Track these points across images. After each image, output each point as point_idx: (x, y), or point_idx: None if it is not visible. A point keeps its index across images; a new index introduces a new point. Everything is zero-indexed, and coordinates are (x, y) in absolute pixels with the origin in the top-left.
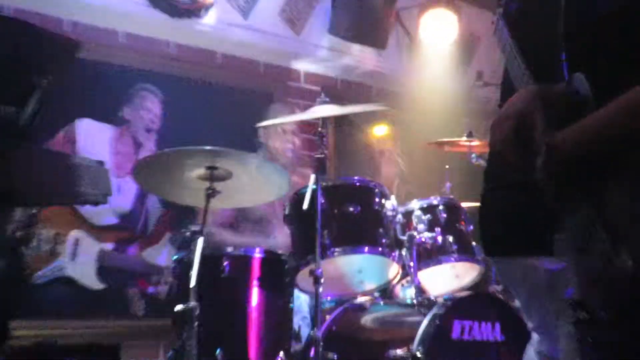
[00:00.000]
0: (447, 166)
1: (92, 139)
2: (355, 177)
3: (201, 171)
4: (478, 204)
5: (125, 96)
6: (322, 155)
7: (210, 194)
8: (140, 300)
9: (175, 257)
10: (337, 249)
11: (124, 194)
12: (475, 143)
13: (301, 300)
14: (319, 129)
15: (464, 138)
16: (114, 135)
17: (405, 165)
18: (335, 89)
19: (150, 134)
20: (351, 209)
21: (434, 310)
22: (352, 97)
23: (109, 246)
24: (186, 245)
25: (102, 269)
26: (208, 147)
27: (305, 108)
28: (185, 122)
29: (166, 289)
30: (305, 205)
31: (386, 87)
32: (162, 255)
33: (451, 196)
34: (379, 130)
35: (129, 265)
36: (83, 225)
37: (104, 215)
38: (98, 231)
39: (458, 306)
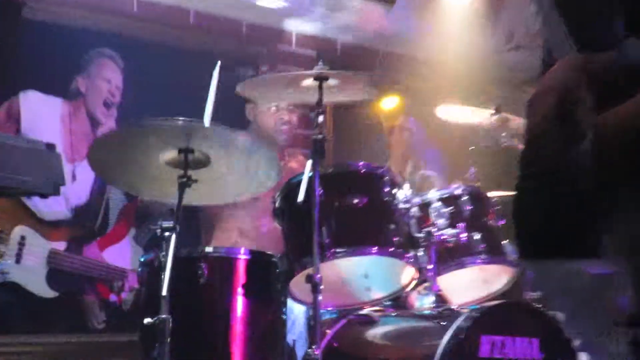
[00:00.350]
0: (471, 147)
1: (40, 115)
2: (360, 162)
3: (172, 155)
4: (509, 192)
5: (79, 64)
6: (320, 136)
7: (185, 182)
8: (99, 310)
9: (142, 258)
10: (339, 250)
11: (79, 182)
12: (505, 120)
13: (295, 312)
14: (316, 104)
15: (492, 113)
16: (66, 111)
17: (419, 145)
18: (334, 54)
19: (109, 109)
20: (355, 200)
21: (458, 323)
22: (354, 64)
23: (61, 245)
24: (156, 245)
25: (53, 273)
26: (182, 120)
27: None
28: (151, 95)
29: (131, 297)
30: (300, 197)
31: (396, 51)
32: (126, 256)
33: (477, 184)
34: (388, 103)
35: (86, 269)
36: (30, 220)
37: (55, 208)
38: (48, 227)
39: (487, 318)
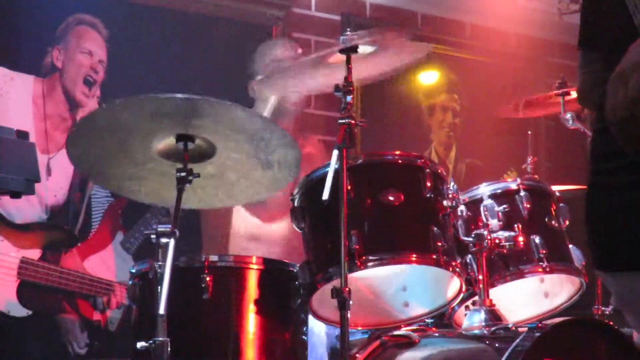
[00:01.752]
0: (529, 131)
1: (7, 97)
2: (396, 152)
3: (169, 143)
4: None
5: (55, 33)
6: (349, 121)
7: (183, 178)
8: (81, 332)
9: (133, 269)
10: (371, 258)
11: (55, 177)
12: (572, 97)
13: (316, 332)
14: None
15: (555, 90)
16: (39, 90)
17: (466, 128)
18: (363, 17)
19: (91, 88)
20: (391, 198)
21: (516, 345)
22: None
23: (34, 254)
24: (150, 253)
25: (25, 287)
26: (181, 96)
27: (320, 46)
28: (142, 70)
29: (119, 315)
30: (325, 195)
31: (437, 14)
32: (112, 266)
33: (535, 176)
34: (427, 78)
35: (64, 282)
36: None
37: (26, 209)
38: (19, 233)
39: (550, 338)
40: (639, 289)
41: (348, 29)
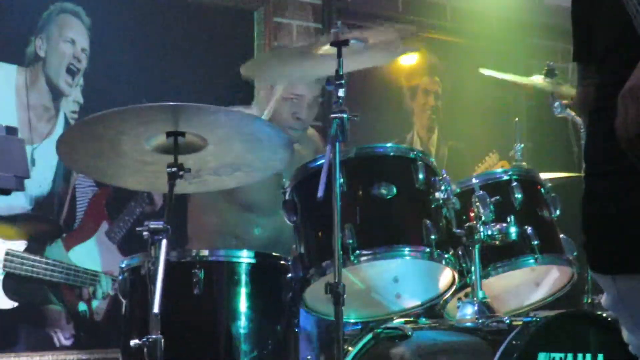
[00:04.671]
0: (516, 118)
1: None
2: (388, 144)
3: (159, 140)
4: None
5: (38, 22)
6: (341, 115)
7: (175, 173)
8: (67, 322)
9: (124, 264)
10: (365, 252)
11: (39, 168)
12: (559, 84)
13: (307, 323)
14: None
15: (541, 76)
16: (22, 80)
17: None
18: (344, 1)
19: (74, 77)
20: (383, 191)
21: (511, 339)
22: (369, 13)
23: (19, 245)
24: (137, 245)
25: (10, 279)
26: (171, 104)
27: (303, 33)
28: (125, 58)
29: (104, 305)
30: (320, 193)
31: None
32: (96, 256)
33: (524, 163)
34: (407, 60)
35: (49, 273)
36: None
37: (11, 201)
38: (3, 224)
39: (545, 332)
40: (632, 291)
41: (339, 23)
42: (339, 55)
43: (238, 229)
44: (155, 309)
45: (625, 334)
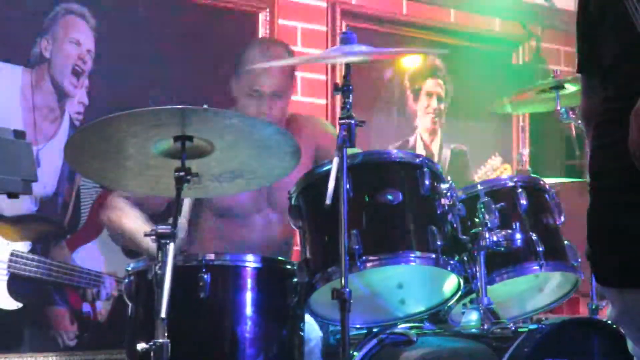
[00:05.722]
0: (521, 123)
1: None
2: (393, 150)
3: (166, 144)
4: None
5: (43, 23)
6: (349, 121)
7: (182, 177)
8: (71, 323)
9: (130, 267)
10: (371, 258)
11: (44, 168)
12: (566, 91)
13: (311, 328)
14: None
15: (548, 82)
16: (27, 81)
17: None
18: (349, 4)
19: (79, 78)
20: (389, 197)
21: (516, 347)
22: (374, 14)
23: (24, 246)
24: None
25: (15, 280)
26: (179, 108)
27: (308, 35)
28: (130, 60)
29: (108, 306)
30: (327, 200)
31: None
32: (100, 257)
33: (528, 168)
34: (410, 62)
35: (54, 274)
36: None
37: (16, 201)
38: (8, 225)
39: (551, 339)
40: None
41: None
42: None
43: (223, 234)
44: (163, 313)
45: (630, 345)
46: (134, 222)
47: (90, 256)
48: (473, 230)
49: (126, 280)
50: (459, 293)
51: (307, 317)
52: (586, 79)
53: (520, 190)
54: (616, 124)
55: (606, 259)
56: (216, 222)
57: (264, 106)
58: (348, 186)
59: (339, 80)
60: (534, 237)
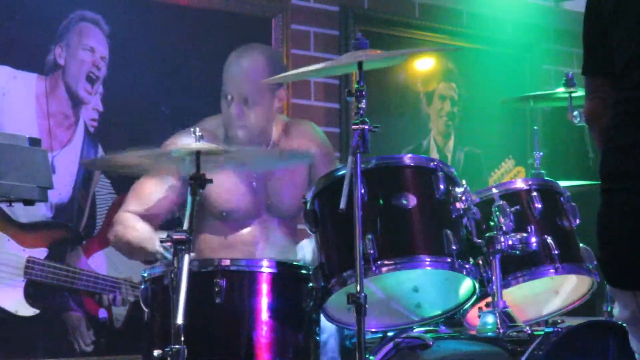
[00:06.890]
0: (534, 127)
1: (11, 94)
2: (409, 155)
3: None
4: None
5: (57, 30)
6: (363, 126)
7: (196, 183)
8: (87, 329)
9: (146, 273)
10: (386, 262)
11: (59, 175)
12: (579, 94)
13: (327, 331)
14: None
15: (560, 87)
16: (42, 88)
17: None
18: (361, 8)
19: (94, 85)
20: (404, 201)
21: (532, 350)
22: (386, 17)
23: (40, 253)
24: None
25: (31, 286)
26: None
27: (321, 39)
28: (144, 66)
29: (124, 311)
30: (342, 205)
31: (434, 2)
32: (117, 262)
33: (542, 171)
34: (424, 65)
35: (70, 280)
36: (2, 224)
37: (32, 208)
38: (25, 232)
39: (568, 342)
40: None
41: (359, 37)
42: (360, 67)
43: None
44: (179, 319)
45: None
46: (141, 231)
47: (106, 262)
48: (488, 234)
49: (142, 286)
50: (475, 297)
51: None
52: (590, 80)
53: (535, 193)
54: (631, 126)
55: (619, 260)
56: (216, 226)
57: (234, 111)
58: (363, 191)
59: (352, 85)
60: (549, 240)
